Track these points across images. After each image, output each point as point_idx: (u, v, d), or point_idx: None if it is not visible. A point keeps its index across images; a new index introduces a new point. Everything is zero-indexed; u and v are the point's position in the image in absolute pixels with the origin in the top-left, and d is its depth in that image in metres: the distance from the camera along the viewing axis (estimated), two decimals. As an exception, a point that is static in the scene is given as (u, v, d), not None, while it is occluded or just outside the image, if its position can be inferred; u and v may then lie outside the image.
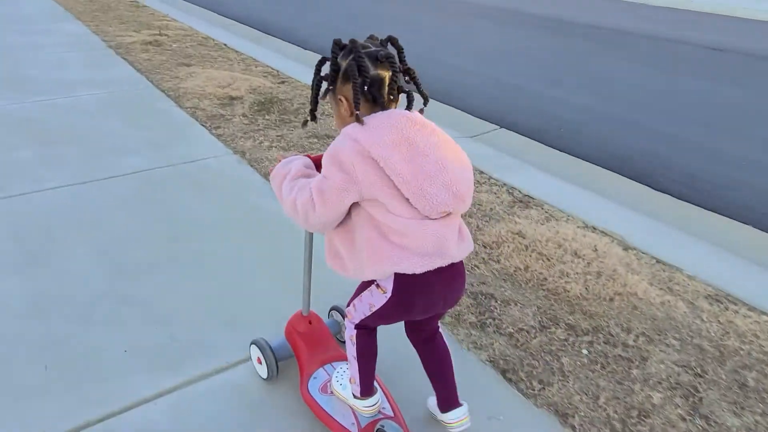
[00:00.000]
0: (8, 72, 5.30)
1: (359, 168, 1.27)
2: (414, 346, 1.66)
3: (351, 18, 10.45)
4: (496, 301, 2.37)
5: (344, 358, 1.78)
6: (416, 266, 1.32)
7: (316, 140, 4.04)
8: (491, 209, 3.18)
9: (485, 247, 2.79)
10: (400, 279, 1.35)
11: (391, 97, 1.36)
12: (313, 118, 1.47)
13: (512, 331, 2.21)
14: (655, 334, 2.24)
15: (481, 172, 3.71)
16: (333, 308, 2.08)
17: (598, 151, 4.57)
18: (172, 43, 6.82)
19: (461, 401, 1.63)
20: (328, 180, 1.31)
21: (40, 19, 7.93)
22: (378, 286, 1.41)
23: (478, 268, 2.61)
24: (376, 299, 1.43)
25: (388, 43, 1.38)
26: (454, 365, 1.63)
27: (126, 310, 2.22)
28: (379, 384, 1.71)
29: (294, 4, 11.37)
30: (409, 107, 1.39)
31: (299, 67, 6.22)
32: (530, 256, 2.69)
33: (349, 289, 1.56)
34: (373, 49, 1.33)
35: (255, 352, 1.89)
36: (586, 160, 4.32)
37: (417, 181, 1.27)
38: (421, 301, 1.41)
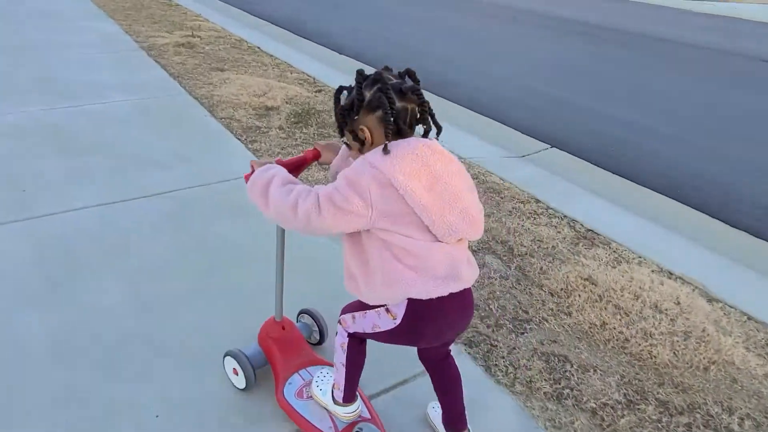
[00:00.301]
0: (38, 73, 5.15)
1: (375, 195, 1.27)
2: (425, 367, 1.67)
3: (385, 21, 10.19)
4: (572, 366, 2.07)
5: (319, 363, 1.85)
6: (431, 290, 1.32)
7: (357, 158, 3.78)
8: (553, 247, 2.88)
9: (553, 295, 2.49)
10: (413, 305, 1.34)
11: (410, 129, 1.37)
12: (348, 145, 1.46)
13: (594, 406, 1.91)
14: (762, 416, 1.92)
15: (537, 201, 3.41)
16: (302, 311, 2.07)
17: (658, 175, 4.22)
18: (204, 46, 6.63)
19: (468, 425, 1.64)
20: (341, 197, 1.29)
21: (72, 17, 7.82)
22: (388, 310, 1.40)
23: (547, 321, 2.31)
24: (383, 323, 1.42)
25: (406, 76, 1.38)
26: None
27: (157, 360, 1.98)
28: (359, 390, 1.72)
29: (328, 7, 11.13)
30: (425, 136, 1.39)
31: (335, 74, 5.97)
32: (605, 308, 2.39)
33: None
34: (396, 81, 1.35)
35: (230, 363, 1.85)
36: (646, 186, 3.98)
37: (438, 208, 1.29)
38: (432, 329, 1.40)
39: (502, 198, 3.39)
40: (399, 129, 1.32)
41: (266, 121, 4.32)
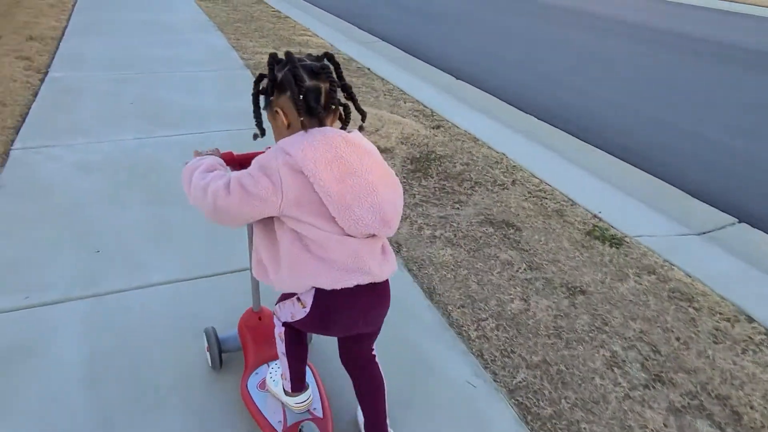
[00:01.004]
0: (139, 93, 4.82)
1: (286, 182, 1.26)
2: (347, 371, 1.63)
3: (507, 41, 9.32)
4: None
5: None
6: (335, 281, 1.32)
7: (491, 228, 3.00)
8: (799, 412, 1.94)
9: None
10: (319, 294, 1.36)
11: (332, 107, 1.37)
12: (262, 132, 1.44)
13: None
14: None
15: (750, 318, 2.45)
16: None
17: None
18: (312, 65, 6.13)
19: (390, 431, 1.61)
20: (251, 180, 1.28)
21: (182, 29, 7.66)
22: (299, 299, 1.42)
23: None
24: (296, 311, 1.44)
25: (324, 59, 1.41)
26: None
27: None
28: (317, 384, 1.75)
29: (444, 25, 10.42)
30: (345, 124, 1.42)
31: (454, 104, 5.23)
32: None
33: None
34: (309, 62, 1.37)
35: (204, 340, 1.91)
36: None
37: (345, 201, 1.28)
38: (340, 318, 1.41)
39: (697, 310, 2.47)
40: (309, 108, 1.32)
41: (379, 167, 3.66)
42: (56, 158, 3.52)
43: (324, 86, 1.33)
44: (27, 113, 4.19)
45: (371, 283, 1.36)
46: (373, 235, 1.35)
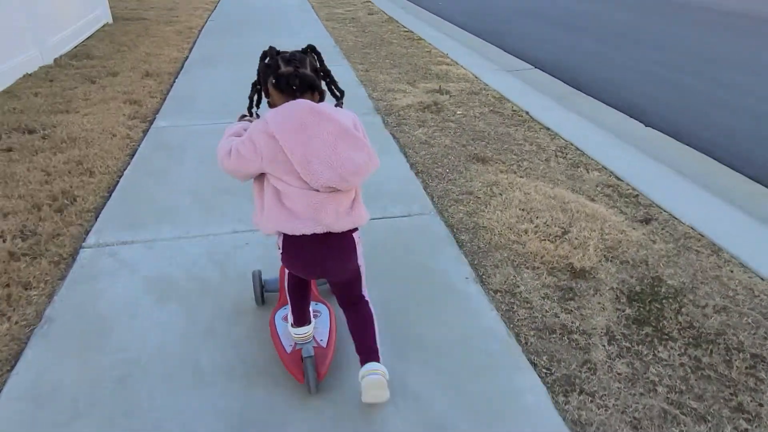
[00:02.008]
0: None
1: (262, 143, 1.57)
2: (342, 310, 1.90)
3: (702, 65, 7.45)
4: None
5: (314, 300, 2.16)
6: (294, 228, 1.60)
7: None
8: None
9: None
10: (286, 239, 1.66)
11: (305, 87, 1.64)
12: (251, 114, 1.83)
13: None
14: None
15: None
16: None
17: None
18: (455, 109, 4.91)
19: (381, 363, 1.78)
20: (243, 145, 1.62)
21: None
22: (278, 244, 1.73)
23: None
24: (279, 253, 1.75)
25: (309, 50, 1.72)
26: None
27: None
28: (330, 321, 2.08)
29: (602, 42, 8.71)
30: (321, 100, 1.68)
31: (659, 174, 3.74)
32: None
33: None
34: (289, 53, 1.68)
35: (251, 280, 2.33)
36: None
37: (305, 158, 1.54)
38: (300, 259, 1.71)
39: None
40: (282, 90, 1.62)
41: (578, 311, 2.33)
42: (127, 267, 2.62)
43: (294, 71, 1.61)
44: (115, 185, 3.40)
45: (328, 233, 1.63)
46: (336, 190, 1.59)
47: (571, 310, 2.31)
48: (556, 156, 3.95)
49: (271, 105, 1.70)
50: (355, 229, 1.73)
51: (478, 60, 7.00)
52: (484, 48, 7.93)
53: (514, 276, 2.54)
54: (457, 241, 2.83)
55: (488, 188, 3.38)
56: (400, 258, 2.72)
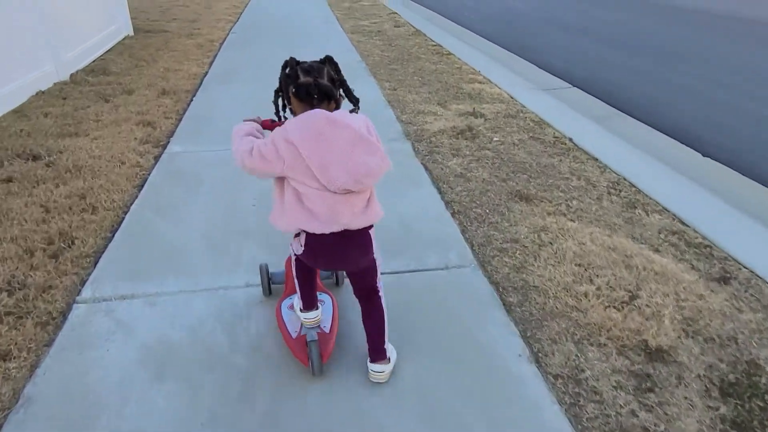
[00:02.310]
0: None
1: (282, 149, 1.68)
2: (358, 301, 2.04)
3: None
4: None
5: (318, 290, 2.24)
6: (315, 228, 1.73)
7: None
8: None
9: None
10: (309, 237, 1.80)
11: (324, 96, 1.75)
12: (279, 119, 1.95)
13: None
14: None
15: None
16: None
17: None
18: (492, 135, 4.50)
19: (388, 357, 2.00)
20: (265, 148, 1.72)
21: None
22: (299, 238, 1.86)
23: None
24: (298, 248, 1.89)
25: (327, 61, 1.83)
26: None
27: None
28: (333, 310, 2.23)
29: (640, 56, 8.23)
30: (337, 107, 1.80)
31: (725, 213, 3.29)
32: None
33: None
34: (307, 64, 1.80)
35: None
36: None
37: (323, 164, 1.65)
38: (322, 255, 1.87)
39: None
40: (301, 99, 1.75)
41: (660, 408, 1.89)
42: (124, 328, 2.27)
43: (313, 81, 1.73)
44: (119, 224, 3.08)
45: (346, 230, 1.76)
46: (350, 192, 1.70)
47: (652, 407, 1.89)
48: (609, 193, 3.52)
49: (292, 111, 1.84)
50: (371, 226, 1.86)
51: (512, 77, 6.59)
52: (515, 63, 7.52)
53: (577, 356, 2.12)
54: (504, 304, 2.43)
55: (536, 235, 2.96)
56: (438, 323, 2.32)
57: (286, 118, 1.90)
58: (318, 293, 2.21)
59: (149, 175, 3.71)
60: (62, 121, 4.60)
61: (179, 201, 3.36)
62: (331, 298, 2.32)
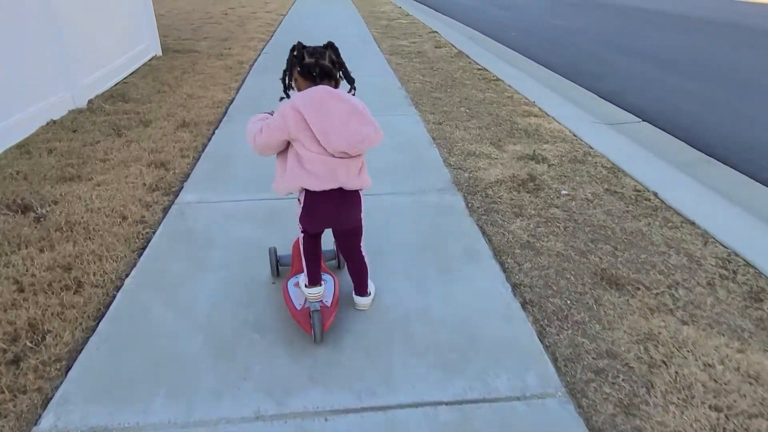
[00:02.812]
0: (286, 247, 2.92)
1: (289, 116, 1.97)
2: (345, 260, 2.43)
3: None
4: None
5: (323, 271, 2.48)
6: (315, 185, 2.04)
7: None
8: None
9: None
10: (307, 194, 2.10)
11: (325, 75, 2.05)
12: (287, 96, 2.14)
13: None
14: None
15: None
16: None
17: None
18: (559, 186, 3.78)
19: (369, 292, 2.44)
20: (273, 120, 2.04)
21: (368, 101, 5.88)
22: (299, 200, 2.17)
23: None
24: (298, 209, 2.19)
25: (329, 47, 2.10)
26: None
27: None
28: (334, 288, 2.45)
29: (722, 88, 7.38)
30: (336, 86, 2.09)
31: None
32: None
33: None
34: (311, 47, 2.07)
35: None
36: None
37: (323, 129, 1.95)
38: (319, 211, 2.13)
39: None
40: (305, 76, 2.05)
41: None
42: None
43: (315, 62, 2.03)
44: (107, 308, 2.47)
45: (340, 189, 2.07)
46: (347, 155, 2.01)
47: None
48: (722, 277, 2.75)
49: (297, 88, 2.11)
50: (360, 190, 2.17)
51: (571, 109, 5.84)
52: (572, 91, 6.77)
53: None
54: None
55: (641, 347, 2.23)
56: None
57: (289, 96, 2.13)
58: (322, 274, 2.39)
59: (154, 234, 3.11)
60: (66, 161, 4.07)
61: (183, 276, 2.73)
62: (334, 278, 2.53)
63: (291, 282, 2.48)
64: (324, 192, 2.04)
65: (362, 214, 2.24)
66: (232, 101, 5.86)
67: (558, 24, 12.89)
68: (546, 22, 13.30)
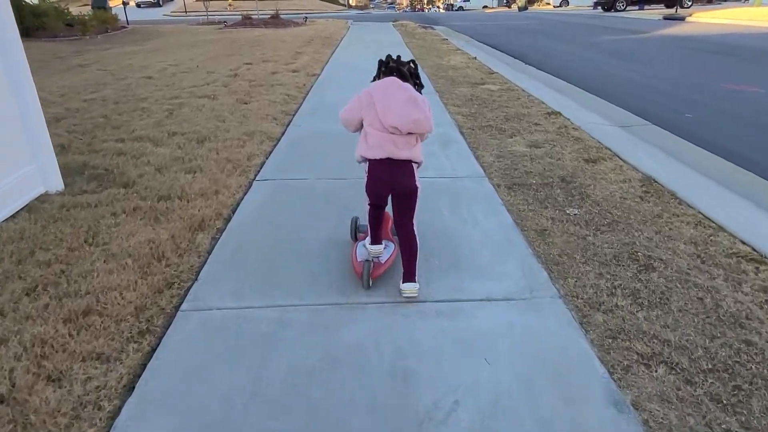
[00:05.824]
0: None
1: (363, 97, 2.64)
2: (397, 232, 2.81)
3: None
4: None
5: (386, 238, 3.03)
6: (370, 154, 2.62)
7: None
8: None
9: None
10: (369, 162, 2.67)
11: (392, 72, 2.75)
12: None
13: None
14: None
15: None
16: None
17: None
18: (670, 271, 2.89)
19: (417, 280, 2.68)
20: (352, 102, 2.71)
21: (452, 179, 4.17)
22: (365, 169, 2.72)
23: None
24: (366, 178, 2.73)
25: (410, 61, 2.82)
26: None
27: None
28: (392, 251, 2.94)
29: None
30: (406, 82, 2.72)
31: None
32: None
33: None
34: (396, 57, 2.77)
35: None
36: None
37: (384, 106, 2.57)
38: (377, 176, 2.66)
39: None
40: (383, 72, 2.76)
41: None
42: None
43: (398, 68, 2.74)
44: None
45: (391, 158, 2.61)
46: (399, 133, 2.58)
47: None
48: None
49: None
50: (414, 162, 2.68)
51: (647, 151, 5.00)
52: (639, 128, 5.85)
53: None
54: None
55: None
56: None
57: None
58: (385, 240, 2.94)
59: (135, 387, 2.18)
60: None
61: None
62: (394, 245, 2.97)
63: (359, 243, 3.06)
64: (378, 160, 2.61)
65: (418, 182, 2.68)
66: (273, 147, 4.84)
67: (734, 91, 8.08)
68: (712, 84, 8.59)
